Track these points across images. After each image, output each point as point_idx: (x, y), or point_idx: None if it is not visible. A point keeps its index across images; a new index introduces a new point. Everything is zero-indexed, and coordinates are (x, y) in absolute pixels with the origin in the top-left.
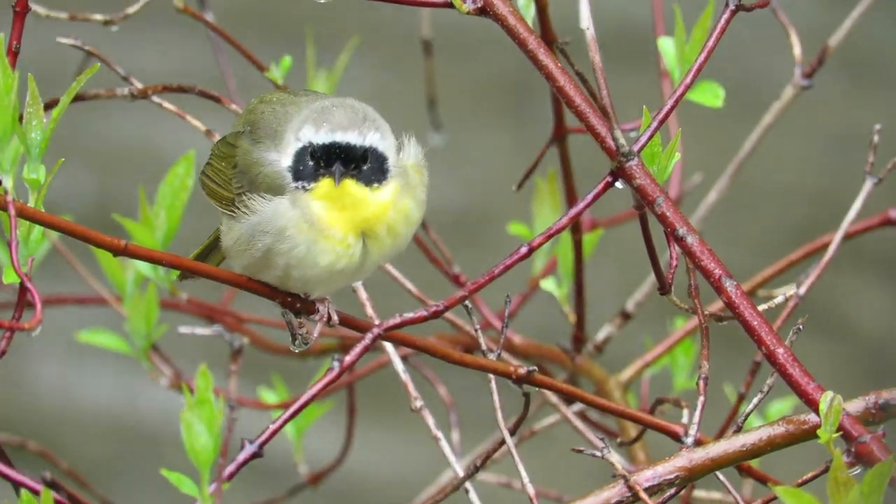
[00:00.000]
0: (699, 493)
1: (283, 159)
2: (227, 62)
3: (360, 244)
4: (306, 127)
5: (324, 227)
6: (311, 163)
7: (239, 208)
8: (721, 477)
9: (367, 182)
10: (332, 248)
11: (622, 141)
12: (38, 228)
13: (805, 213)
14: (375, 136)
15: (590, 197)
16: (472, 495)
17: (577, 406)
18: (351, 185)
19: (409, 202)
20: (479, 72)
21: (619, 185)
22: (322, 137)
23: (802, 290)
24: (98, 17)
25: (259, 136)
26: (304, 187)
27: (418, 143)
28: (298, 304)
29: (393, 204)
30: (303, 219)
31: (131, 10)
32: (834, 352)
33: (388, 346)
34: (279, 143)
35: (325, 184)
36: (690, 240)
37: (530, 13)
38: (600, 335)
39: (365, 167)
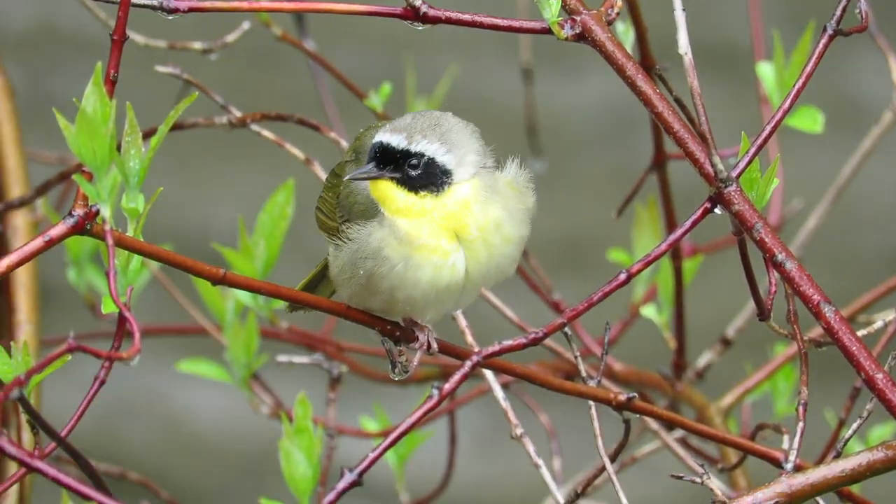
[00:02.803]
0: None
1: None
2: (326, 90)
3: (460, 254)
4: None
5: (412, 239)
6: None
7: (341, 238)
8: (821, 502)
9: (413, 188)
10: (429, 260)
11: (721, 167)
12: (136, 258)
13: None
14: (432, 146)
15: (688, 223)
16: None
17: (678, 432)
18: (387, 187)
19: (498, 211)
20: (578, 97)
21: (717, 211)
22: (373, 138)
23: None
24: (197, 45)
25: (361, 161)
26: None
27: (523, 167)
28: (398, 332)
29: (475, 201)
30: (392, 235)
31: (230, 37)
32: None
33: (489, 373)
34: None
35: (380, 183)
36: (789, 265)
37: (629, 39)
38: (701, 361)
39: (413, 172)
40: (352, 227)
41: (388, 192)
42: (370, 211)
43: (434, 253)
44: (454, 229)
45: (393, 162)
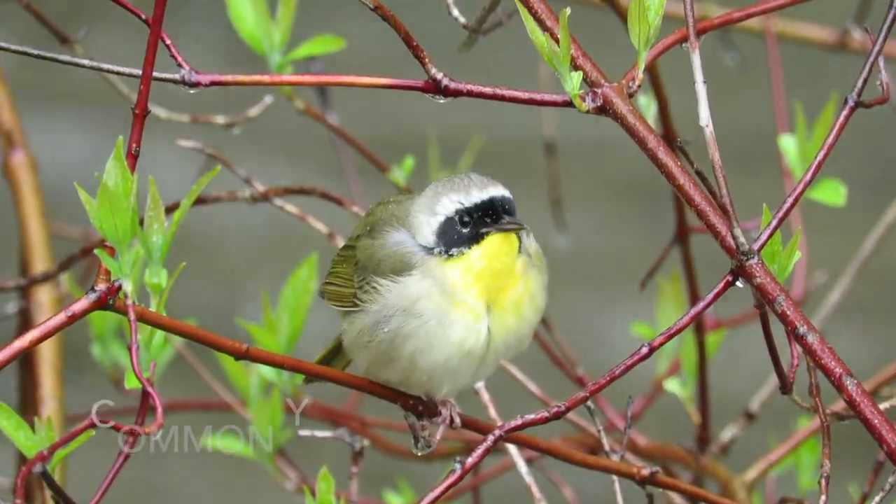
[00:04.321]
0: None
1: (419, 237)
2: (349, 163)
3: (486, 322)
4: (445, 199)
5: (457, 292)
6: (464, 229)
7: (361, 299)
8: None
9: (520, 247)
10: (462, 320)
11: (742, 239)
12: (160, 333)
13: None
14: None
15: (710, 296)
16: None
17: None
18: (515, 243)
19: (534, 282)
20: (604, 173)
21: (739, 284)
22: (476, 196)
23: None
24: (220, 119)
25: (379, 231)
26: (460, 253)
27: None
28: (421, 406)
29: (522, 276)
30: (435, 287)
31: (252, 112)
32: None
33: (512, 448)
34: (404, 227)
35: (494, 240)
36: (811, 338)
37: (651, 112)
38: (725, 435)
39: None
40: (377, 282)
41: (515, 246)
42: (404, 265)
43: (470, 313)
44: (494, 295)
45: (514, 214)
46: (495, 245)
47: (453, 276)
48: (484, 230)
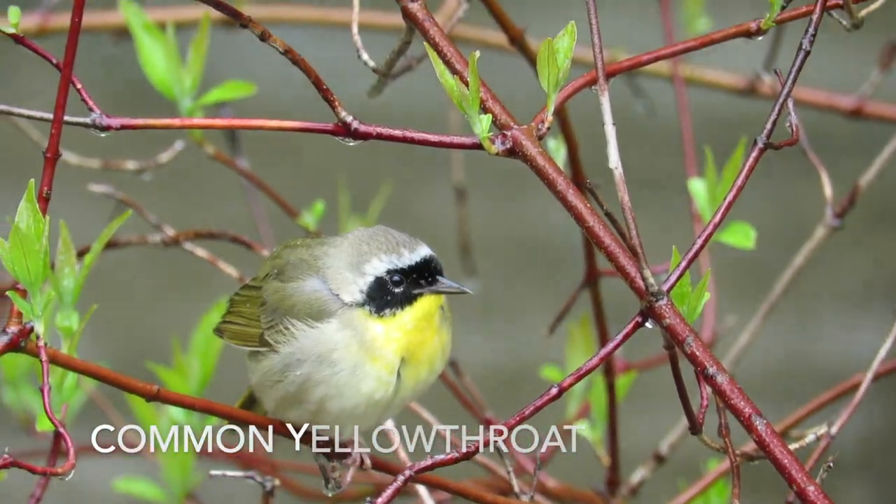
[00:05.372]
0: None
1: (344, 294)
2: (259, 208)
3: (398, 373)
4: (375, 260)
5: (377, 346)
6: (396, 289)
7: (272, 339)
8: None
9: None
10: (376, 372)
11: (651, 280)
12: (72, 375)
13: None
14: None
15: (619, 337)
16: None
17: None
18: (442, 299)
19: (446, 335)
20: (514, 218)
21: (648, 325)
22: (409, 258)
23: (834, 429)
24: (130, 165)
25: (290, 275)
26: (392, 314)
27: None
28: (331, 448)
29: (438, 330)
30: (354, 339)
31: (163, 157)
32: (865, 492)
33: (422, 489)
34: (318, 274)
35: (427, 301)
36: (720, 379)
37: (561, 155)
38: (634, 478)
39: None
40: (293, 324)
41: (439, 304)
42: (320, 311)
43: (385, 368)
44: (413, 349)
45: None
46: (427, 305)
47: (376, 330)
48: (417, 291)
